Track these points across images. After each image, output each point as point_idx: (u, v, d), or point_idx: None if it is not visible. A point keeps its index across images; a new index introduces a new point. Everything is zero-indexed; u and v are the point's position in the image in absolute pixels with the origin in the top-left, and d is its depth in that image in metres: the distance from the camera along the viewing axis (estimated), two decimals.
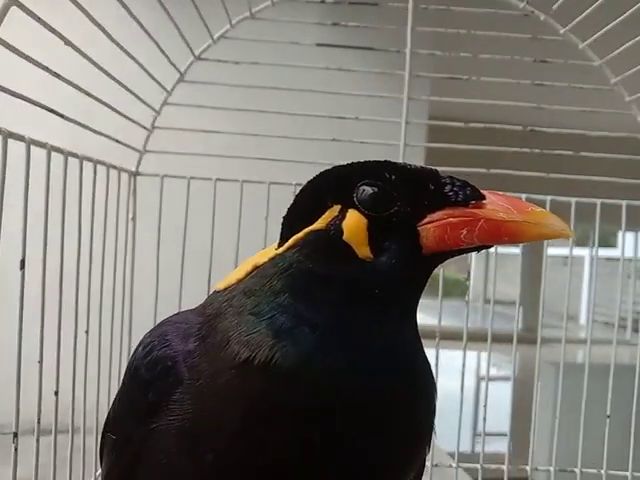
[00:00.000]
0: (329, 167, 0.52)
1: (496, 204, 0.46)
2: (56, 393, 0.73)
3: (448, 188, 0.47)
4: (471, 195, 0.46)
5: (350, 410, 0.44)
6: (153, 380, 0.47)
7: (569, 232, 0.45)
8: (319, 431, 0.43)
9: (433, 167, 0.49)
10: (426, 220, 0.47)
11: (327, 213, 0.48)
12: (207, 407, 0.44)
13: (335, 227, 0.47)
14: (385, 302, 0.47)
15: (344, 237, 0.47)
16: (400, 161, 1.02)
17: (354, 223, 0.47)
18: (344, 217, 0.47)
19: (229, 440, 0.43)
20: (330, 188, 0.49)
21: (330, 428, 0.43)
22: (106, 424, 0.56)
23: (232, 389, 0.44)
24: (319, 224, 0.48)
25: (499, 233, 0.46)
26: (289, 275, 0.47)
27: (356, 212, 0.47)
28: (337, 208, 0.48)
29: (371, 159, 0.50)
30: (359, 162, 0.50)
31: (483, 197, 0.46)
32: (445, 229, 0.46)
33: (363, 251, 0.47)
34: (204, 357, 0.46)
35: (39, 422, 0.67)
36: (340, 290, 0.46)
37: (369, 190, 0.47)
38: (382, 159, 0.50)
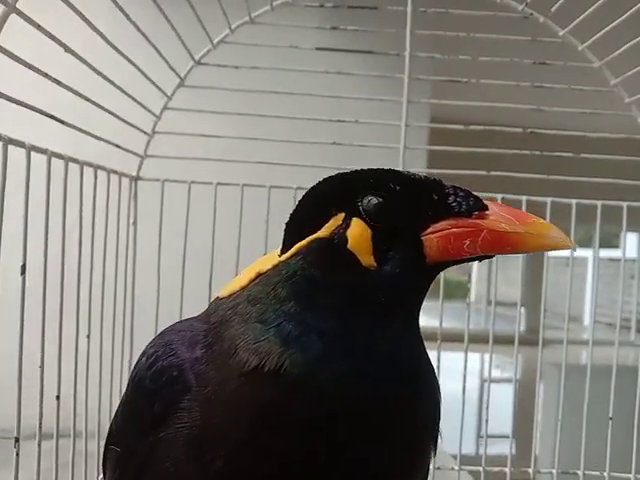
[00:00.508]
0: (329, 170, 0.52)
1: (498, 215, 0.46)
2: (57, 397, 0.73)
3: (452, 199, 0.47)
4: (474, 205, 0.47)
5: (358, 417, 0.44)
6: (159, 389, 0.47)
7: (570, 243, 0.46)
8: (328, 438, 0.43)
9: (436, 177, 0.49)
10: (429, 230, 0.47)
11: (331, 221, 0.48)
12: (216, 414, 0.44)
13: (339, 235, 0.48)
14: (389, 309, 0.47)
15: (348, 245, 0.47)
16: (401, 167, 1.02)
17: (359, 232, 0.47)
18: (348, 226, 0.48)
19: (238, 447, 0.44)
20: (334, 196, 0.49)
21: (338, 435, 0.44)
22: (109, 436, 0.56)
23: (241, 396, 0.44)
24: (323, 232, 0.48)
25: (501, 243, 0.46)
26: (294, 283, 0.47)
27: (360, 221, 0.47)
28: (341, 216, 0.48)
29: (372, 163, 0.51)
30: (362, 170, 0.50)
31: (486, 207, 0.47)
32: (448, 239, 0.47)
33: (367, 260, 0.47)
34: (211, 364, 0.46)
35: (41, 427, 0.68)
36: (345, 298, 0.46)
37: (374, 200, 0.47)
38: (385, 167, 0.50)
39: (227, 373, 0.45)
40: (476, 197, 0.47)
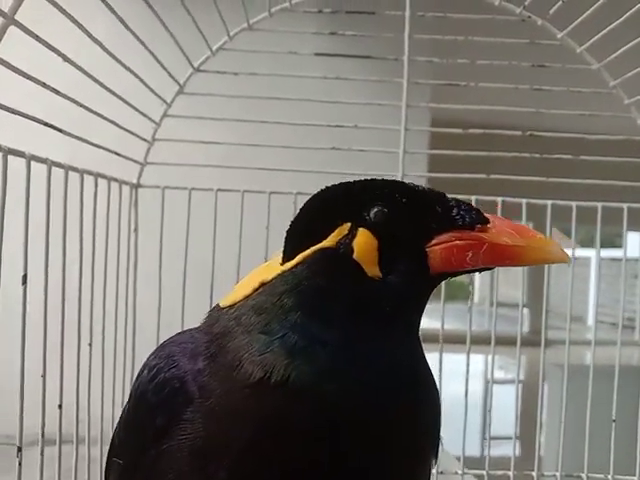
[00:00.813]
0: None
1: (499, 228, 0.48)
2: (60, 406, 0.73)
3: (455, 211, 0.49)
4: (476, 219, 0.48)
5: (362, 427, 0.45)
6: (161, 402, 0.48)
7: (567, 258, 0.47)
8: (332, 448, 0.44)
9: (440, 190, 0.51)
10: (434, 242, 0.48)
11: (336, 231, 0.49)
12: (219, 426, 0.45)
13: (345, 246, 0.48)
14: (393, 318, 0.48)
15: (354, 256, 0.48)
16: (401, 171, 1.02)
17: (365, 243, 0.48)
18: (354, 236, 0.48)
19: (242, 458, 0.44)
20: (339, 206, 0.50)
21: (342, 445, 0.44)
22: (111, 448, 0.56)
23: (246, 408, 0.44)
24: (328, 242, 0.49)
25: (502, 256, 0.48)
26: (299, 293, 0.47)
27: (367, 232, 0.48)
28: (347, 226, 0.49)
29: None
30: (367, 180, 0.51)
31: (487, 221, 0.48)
32: (452, 251, 0.48)
33: (372, 270, 0.48)
34: (215, 376, 0.46)
35: (43, 436, 0.68)
36: (350, 307, 0.47)
37: (381, 212, 0.48)
38: (388, 177, 0.52)
39: (231, 385, 0.45)
40: (478, 210, 0.49)
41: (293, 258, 0.49)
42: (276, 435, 0.43)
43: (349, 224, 0.48)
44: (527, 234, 0.47)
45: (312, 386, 0.44)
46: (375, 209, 0.48)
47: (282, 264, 0.50)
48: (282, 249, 0.52)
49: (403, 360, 0.47)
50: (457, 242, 0.48)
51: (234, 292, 0.51)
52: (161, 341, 0.54)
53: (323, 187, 0.53)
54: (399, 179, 1.03)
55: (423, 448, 0.50)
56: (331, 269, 0.48)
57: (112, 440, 0.56)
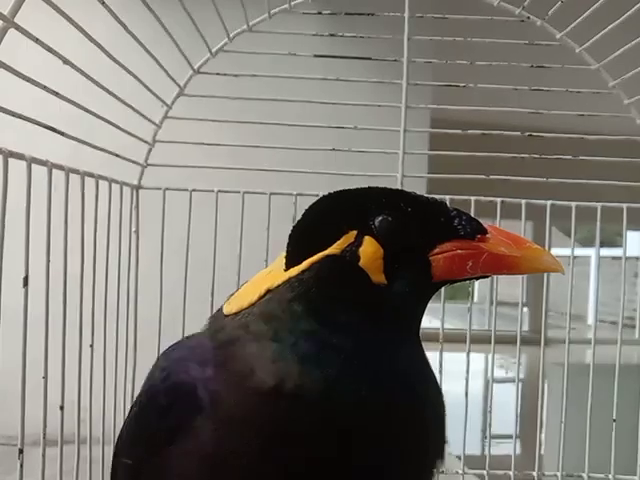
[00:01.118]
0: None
1: (497, 238, 0.49)
2: (61, 408, 0.73)
3: (457, 221, 0.50)
4: (476, 229, 0.50)
5: (375, 433, 0.45)
6: (172, 406, 0.48)
7: (560, 268, 0.49)
8: (346, 454, 0.44)
9: (442, 199, 0.52)
10: (436, 250, 0.49)
11: (343, 239, 0.49)
12: (232, 433, 0.45)
13: (351, 253, 0.49)
14: (398, 323, 0.49)
15: (360, 263, 0.48)
16: (400, 172, 1.02)
17: (371, 251, 0.49)
18: (360, 244, 0.49)
19: (256, 465, 0.44)
20: (346, 213, 0.51)
21: (356, 451, 0.45)
22: (118, 449, 0.56)
23: (260, 416, 0.44)
24: (335, 249, 0.49)
25: (499, 266, 0.49)
26: (308, 300, 0.48)
27: (373, 240, 0.49)
28: (353, 234, 0.49)
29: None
30: (372, 188, 0.52)
31: (486, 231, 0.50)
32: (453, 260, 0.49)
33: (378, 277, 0.48)
34: (225, 384, 0.46)
35: (44, 437, 0.68)
36: (358, 314, 0.48)
37: (387, 221, 0.49)
38: (395, 187, 0.53)
39: (243, 393, 0.45)
40: (477, 221, 0.50)
41: (298, 263, 0.49)
42: (289, 443, 0.44)
43: (355, 232, 0.49)
44: (523, 244, 0.49)
45: (326, 393, 0.44)
46: (380, 217, 0.49)
47: (286, 269, 0.50)
48: (284, 253, 0.52)
49: (409, 364, 0.48)
50: (459, 251, 0.49)
51: (238, 298, 0.51)
52: (162, 342, 0.54)
53: (325, 192, 0.53)
54: (399, 180, 1.03)
55: (428, 451, 0.50)
56: (338, 276, 0.49)
57: (118, 440, 0.56)
